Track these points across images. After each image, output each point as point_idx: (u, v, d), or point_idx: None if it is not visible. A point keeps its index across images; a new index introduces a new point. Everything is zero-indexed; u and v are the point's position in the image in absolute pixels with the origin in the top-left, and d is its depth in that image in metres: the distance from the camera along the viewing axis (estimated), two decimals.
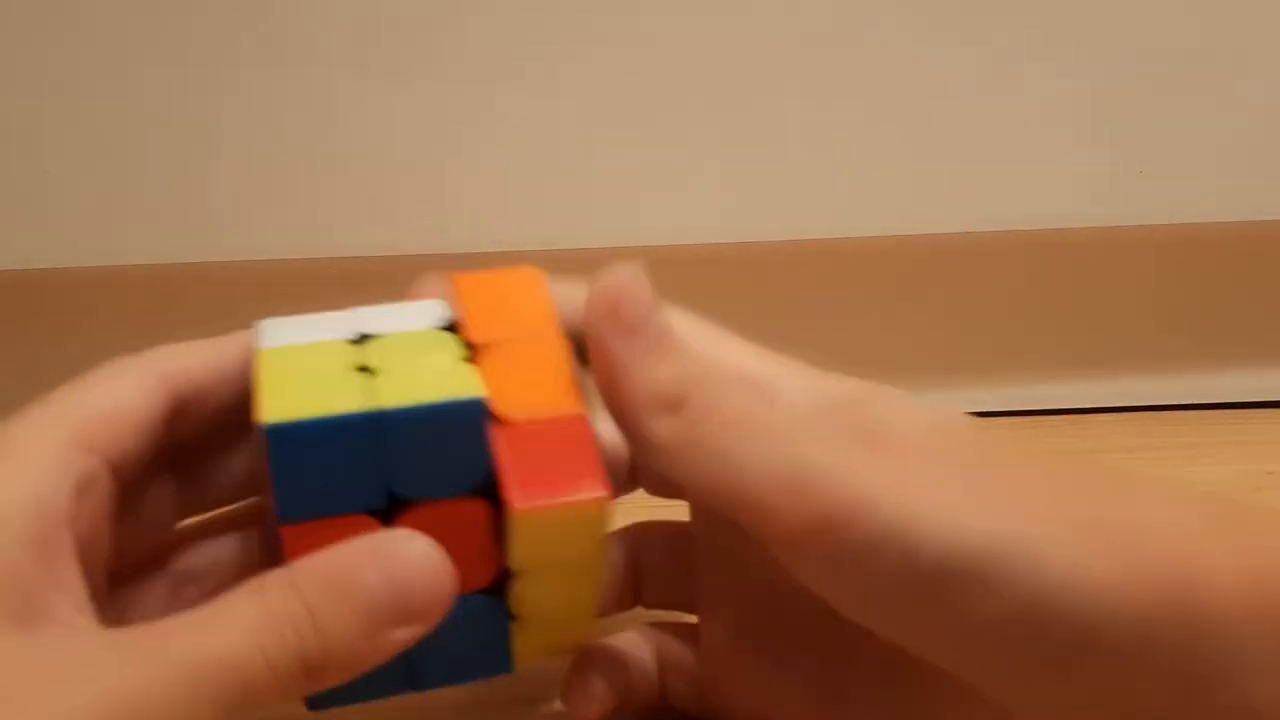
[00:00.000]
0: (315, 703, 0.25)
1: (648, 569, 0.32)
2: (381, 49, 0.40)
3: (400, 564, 0.24)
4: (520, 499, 0.24)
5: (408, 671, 0.25)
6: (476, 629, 0.26)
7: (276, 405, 0.24)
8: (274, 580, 0.23)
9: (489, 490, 0.25)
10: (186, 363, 0.27)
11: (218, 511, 0.30)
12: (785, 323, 0.45)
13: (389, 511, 0.25)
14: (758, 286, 0.45)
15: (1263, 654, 0.21)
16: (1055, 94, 0.42)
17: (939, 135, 0.42)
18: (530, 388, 0.26)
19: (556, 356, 0.26)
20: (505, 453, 0.25)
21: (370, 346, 0.26)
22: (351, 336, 0.27)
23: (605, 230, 0.42)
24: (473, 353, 0.26)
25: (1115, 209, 0.43)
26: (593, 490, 0.24)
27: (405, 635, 0.23)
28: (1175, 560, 0.22)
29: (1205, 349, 0.48)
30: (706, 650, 0.30)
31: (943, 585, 0.22)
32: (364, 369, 0.25)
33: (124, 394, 0.26)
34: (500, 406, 0.25)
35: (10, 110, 0.40)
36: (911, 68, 0.41)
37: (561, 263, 0.29)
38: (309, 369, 0.25)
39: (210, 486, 0.29)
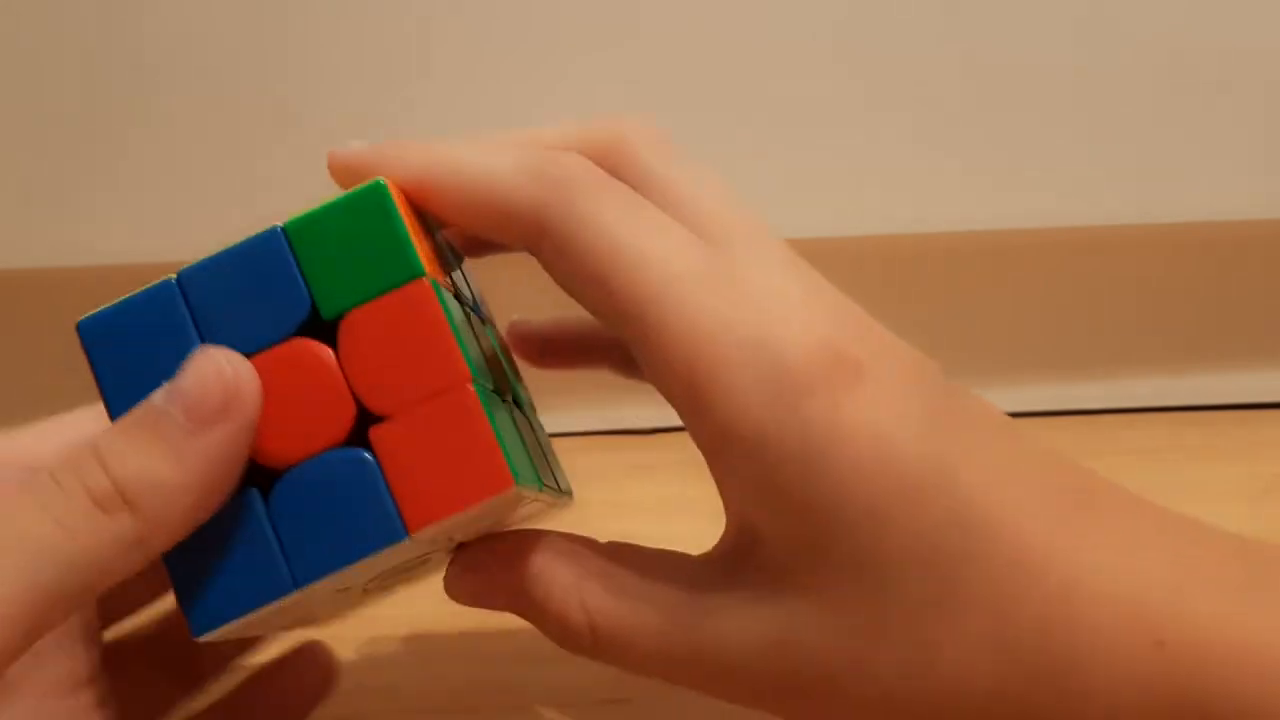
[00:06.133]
0: (198, 625, 0.23)
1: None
2: (365, 42, 0.40)
3: (180, 375, 0.22)
4: (413, 521, 0.23)
5: (279, 553, 0.23)
6: (344, 489, 0.23)
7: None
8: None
9: (319, 329, 0.23)
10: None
11: None
12: None
13: None
14: None
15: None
16: (1055, 93, 0.42)
17: (939, 135, 0.42)
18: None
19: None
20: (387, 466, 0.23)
21: None
22: None
23: None
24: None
25: (1115, 209, 0.43)
26: (494, 483, 0.23)
27: (216, 438, 0.21)
28: None
29: (1211, 349, 0.47)
30: None
31: None
32: None
33: None
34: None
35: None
36: (912, 67, 0.41)
37: None
38: None
39: None
